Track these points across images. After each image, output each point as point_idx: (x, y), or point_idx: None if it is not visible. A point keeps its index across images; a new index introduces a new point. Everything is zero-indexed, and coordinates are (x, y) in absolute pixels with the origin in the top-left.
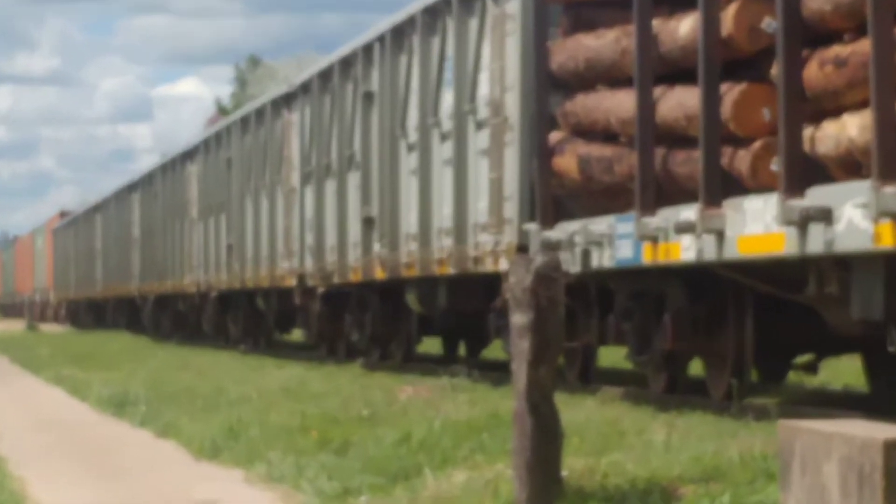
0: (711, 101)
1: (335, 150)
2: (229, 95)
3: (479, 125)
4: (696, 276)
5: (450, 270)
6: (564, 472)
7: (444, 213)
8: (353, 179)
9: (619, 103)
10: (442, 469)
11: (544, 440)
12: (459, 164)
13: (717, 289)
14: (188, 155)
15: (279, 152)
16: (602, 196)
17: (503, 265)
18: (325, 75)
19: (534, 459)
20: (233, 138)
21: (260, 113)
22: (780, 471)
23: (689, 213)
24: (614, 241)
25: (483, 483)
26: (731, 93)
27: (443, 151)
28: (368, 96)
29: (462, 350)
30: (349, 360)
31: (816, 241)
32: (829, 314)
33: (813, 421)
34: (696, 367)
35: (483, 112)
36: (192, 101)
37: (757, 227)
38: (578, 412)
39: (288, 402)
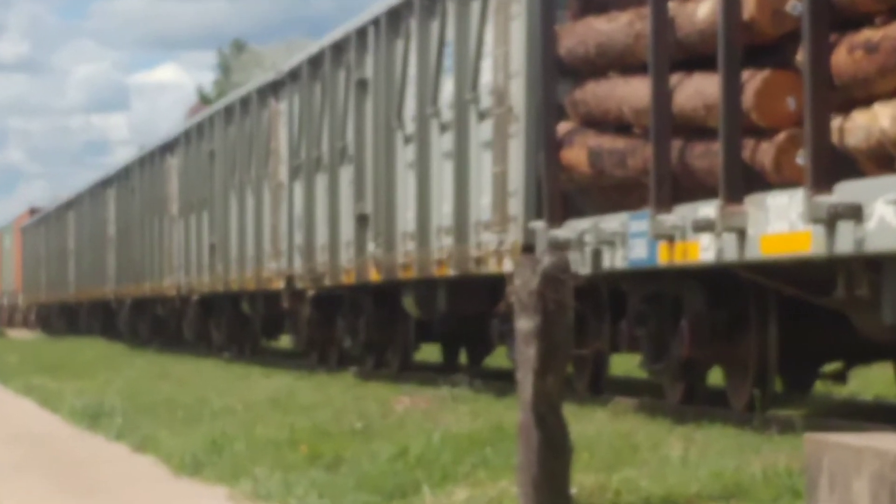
0: (732, 89)
1: (326, 143)
2: (212, 83)
3: (482, 115)
4: (715, 278)
5: (450, 272)
6: (573, 490)
7: (443, 210)
8: (346, 174)
9: (632, 92)
10: (441, 486)
11: (551, 455)
12: (460, 157)
13: (738, 292)
14: (168, 147)
15: (266, 144)
16: (614, 192)
17: (507, 266)
18: (315, 61)
19: (540, 475)
20: (216, 129)
21: (245, 102)
22: (806, 488)
23: (708, 210)
24: (627, 240)
25: (486, 501)
26: (753, 80)
27: (442, 143)
28: (362, 84)
29: (463, 358)
30: (341, 369)
31: (845, 241)
32: (858, 319)
33: (842, 434)
34: (715, 376)
35: (486, 101)
36: (172, 89)
37: (781, 225)
38: (588, 425)
39: (275, 413)
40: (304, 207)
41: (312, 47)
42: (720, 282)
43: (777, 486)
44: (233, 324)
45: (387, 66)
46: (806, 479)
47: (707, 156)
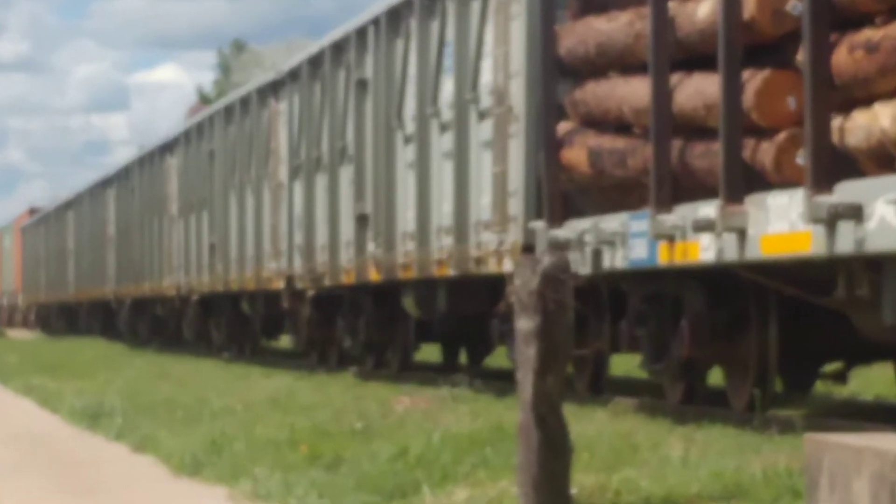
0: (732, 89)
1: (326, 143)
2: (212, 83)
3: (482, 115)
4: (715, 278)
5: (450, 272)
6: (573, 490)
7: (443, 210)
8: (346, 174)
9: (632, 91)
10: (441, 486)
11: (552, 455)
12: (460, 157)
13: (738, 292)
14: (167, 147)
15: (266, 144)
16: (614, 192)
17: (507, 266)
18: (315, 61)
19: (540, 475)
20: (216, 129)
21: (245, 102)
22: (806, 488)
23: (708, 209)
24: (627, 240)
25: (486, 501)
26: (753, 80)
27: (442, 143)
28: (362, 84)
29: (463, 358)
30: (341, 369)
31: (846, 241)
32: (859, 319)
33: (842, 434)
34: (715, 376)
35: (486, 101)
36: (172, 89)
37: (781, 225)
38: (589, 425)
39: (275, 413)
40: (304, 207)
41: (312, 47)
42: (720, 282)
43: (777, 486)
44: (233, 324)
45: (387, 65)
46: (806, 479)
47: (707, 156)
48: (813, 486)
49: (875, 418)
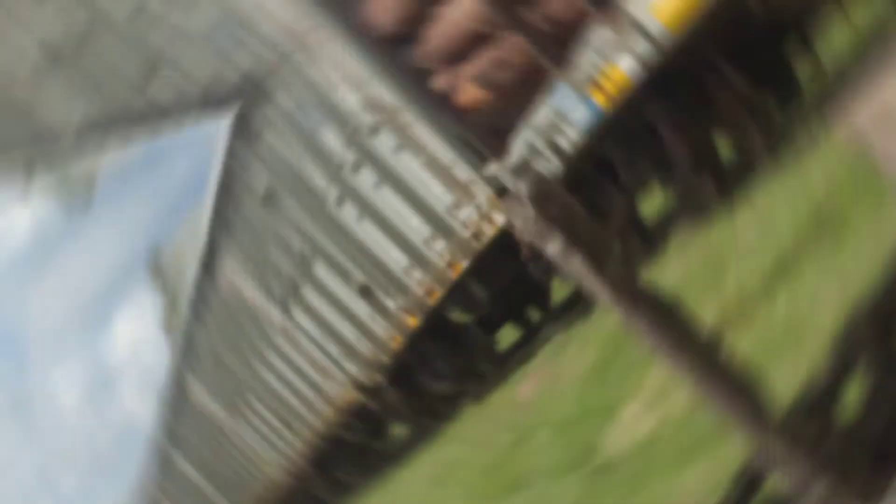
0: None
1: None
2: None
3: (374, 132)
4: (664, 81)
5: (463, 264)
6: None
7: (412, 223)
8: (315, 284)
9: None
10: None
11: (668, 320)
12: (389, 175)
13: (693, 77)
14: None
15: None
16: (521, 93)
17: (500, 220)
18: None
19: (680, 341)
20: None
21: None
22: None
23: (597, 34)
24: (564, 114)
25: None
26: None
27: (367, 180)
28: (270, 197)
29: (534, 315)
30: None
31: None
32: None
33: None
34: None
35: (367, 119)
36: None
37: None
38: (673, 270)
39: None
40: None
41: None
42: (671, 81)
43: None
44: None
45: (277, 171)
46: None
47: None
48: None
49: None
